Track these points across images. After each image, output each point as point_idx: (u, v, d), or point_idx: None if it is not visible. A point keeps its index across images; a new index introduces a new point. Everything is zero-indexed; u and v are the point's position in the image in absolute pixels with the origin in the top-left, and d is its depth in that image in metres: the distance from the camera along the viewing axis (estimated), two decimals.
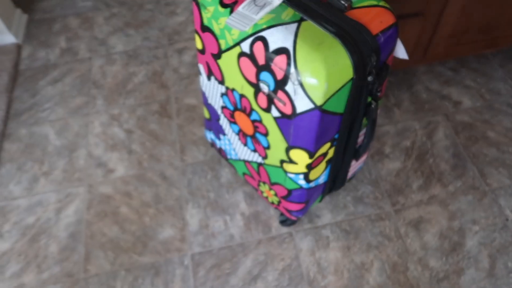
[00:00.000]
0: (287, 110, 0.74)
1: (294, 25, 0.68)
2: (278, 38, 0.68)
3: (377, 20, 0.70)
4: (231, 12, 0.72)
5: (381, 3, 0.72)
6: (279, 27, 0.68)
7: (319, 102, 0.69)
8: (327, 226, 1.13)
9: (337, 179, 0.96)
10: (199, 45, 0.85)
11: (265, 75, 0.73)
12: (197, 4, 0.77)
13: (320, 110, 0.70)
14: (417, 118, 1.32)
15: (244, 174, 1.10)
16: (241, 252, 1.10)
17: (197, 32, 0.83)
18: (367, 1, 0.72)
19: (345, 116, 0.74)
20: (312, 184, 0.91)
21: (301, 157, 0.83)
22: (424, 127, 1.30)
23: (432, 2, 1.14)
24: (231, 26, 0.69)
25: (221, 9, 0.73)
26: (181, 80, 1.46)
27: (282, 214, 1.11)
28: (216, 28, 0.76)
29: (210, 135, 1.13)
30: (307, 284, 1.05)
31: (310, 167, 0.85)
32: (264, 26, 0.69)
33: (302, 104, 0.70)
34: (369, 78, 0.70)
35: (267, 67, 0.71)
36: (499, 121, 1.30)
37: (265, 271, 1.07)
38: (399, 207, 1.16)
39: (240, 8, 0.70)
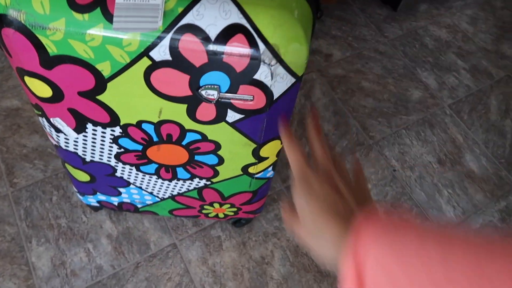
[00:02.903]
0: (257, 105, 0.52)
1: None
2: (213, 16, 0.44)
3: None
4: (104, 13, 0.44)
5: None
6: (203, 1, 0.44)
7: (301, 71, 0.50)
8: (215, 224, 0.95)
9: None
10: (42, 92, 0.54)
11: (210, 77, 0.48)
12: (22, 31, 0.45)
13: (301, 80, 0.51)
14: None
15: (171, 211, 0.85)
16: (115, 285, 0.86)
17: (33, 76, 0.51)
18: None
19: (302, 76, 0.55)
20: None
21: (273, 148, 0.64)
22: (301, 88, 1.18)
23: None
24: (127, 31, 0.43)
25: (80, 17, 0.44)
26: None
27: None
28: (83, 51, 0.47)
29: (94, 199, 0.82)
30: None
31: (279, 152, 0.66)
32: (180, 10, 0.44)
33: (282, 85, 0.50)
34: (318, 15, 0.51)
35: (213, 65, 0.47)
36: (370, 68, 1.24)
37: None
38: (290, 182, 1.03)
39: (120, 0, 0.42)
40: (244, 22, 0.45)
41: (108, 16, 0.45)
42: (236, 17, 0.45)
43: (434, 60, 1.29)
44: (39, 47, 0.47)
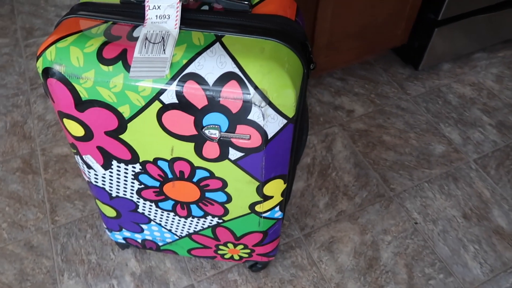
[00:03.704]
0: (254, 143, 0.60)
1: (218, 46, 0.55)
2: (211, 66, 0.54)
3: (284, 7, 0.61)
4: (125, 66, 0.55)
5: None
6: (204, 55, 0.54)
7: (291, 113, 0.57)
8: (233, 268, 0.98)
9: (290, 191, 0.83)
10: (76, 132, 0.65)
11: (211, 118, 0.57)
12: (62, 80, 0.57)
13: (293, 121, 0.58)
14: (314, 133, 1.26)
15: (189, 251, 0.91)
16: None
17: (70, 117, 0.62)
18: None
19: (298, 117, 0.61)
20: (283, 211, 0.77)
21: (277, 187, 0.69)
22: (322, 141, 1.24)
23: (303, 10, 1.09)
24: (141, 78, 0.53)
25: (106, 68, 0.55)
26: (48, 128, 1.25)
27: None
28: (108, 96, 0.58)
29: (121, 235, 0.91)
30: None
31: (284, 192, 0.72)
32: (185, 61, 0.54)
33: (274, 125, 0.57)
34: (311, 66, 0.60)
35: (213, 107, 0.56)
36: (392, 123, 1.28)
37: None
38: (309, 230, 1.05)
39: (137, 54, 0.54)
40: (236, 70, 0.54)
41: (127, 67, 0.55)
42: (230, 67, 0.54)
43: (458, 116, 1.30)
44: (74, 93, 0.58)
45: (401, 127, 1.27)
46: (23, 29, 1.57)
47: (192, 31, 0.57)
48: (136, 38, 0.56)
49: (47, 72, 0.58)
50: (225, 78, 0.54)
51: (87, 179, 0.76)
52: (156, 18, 0.57)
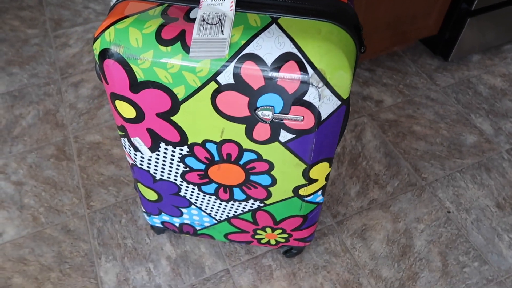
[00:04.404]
0: (307, 125, 0.60)
1: (275, 27, 0.55)
2: (270, 47, 0.54)
3: None
4: (183, 46, 0.56)
5: None
6: (262, 36, 0.55)
7: (346, 94, 0.57)
8: (267, 254, 0.99)
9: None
10: (128, 113, 0.66)
11: (266, 99, 0.58)
12: (120, 61, 0.58)
13: (346, 103, 0.59)
14: None
15: (226, 235, 0.92)
16: None
17: (122, 99, 0.63)
18: None
19: (348, 100, 0.62)
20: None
21: (323, 170, 0.70)
22: (352, 130, 1.24)
23: None
24: (201, 58, 0.54)
25: (164, 49, 0.56)
26: (79, 116, 1.27)
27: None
28: (164, 77, 0.59)
29: (159, 219, 0.92)
30: None
31: (328, 176, 0.73)
32: (243, 42, 0.55)
33: (329, 107, 0.58)
34: (362, 49, 0.60)
35: (269, 87, 0.56)
36: (421, 114, 1.28)
37: None
38: (341, 218, 1.06)
39: (196, 35, 0.55)
40: (295, 51, 0.54)
41: (186, 48, 0.56)
42: (289, 47, 0.54)
43: (489, 107, 1.29)
44: (131, 73, 0.59)
45: (431, 117, 1.27)
46: (52, 20, 1.59)
47: (248, 13, 0.58)
48: (193, 20, 0.57)
49: (105, 53, 0.59)
50: (283, 59, 0.54)
51: (131, 162, 0.77)
52: (212, 0, 0.58)
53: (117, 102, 0.65)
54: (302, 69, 0.54)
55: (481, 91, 1.34)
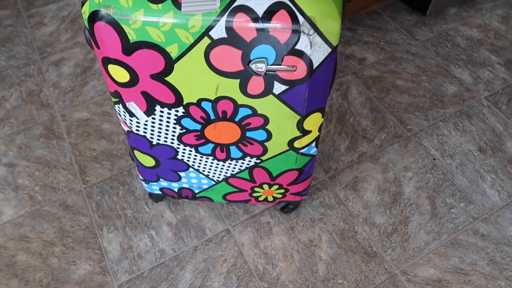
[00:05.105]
0: (299, 74, 0.62)
1: None
2: None
3: None
4: (174, 3, 0.56)
5: None
6: None
7: (336, 41, 0.59)
8: (265, 212, 1.03)
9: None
10: (121, 77, 0.66)
11: (258, 51, 0.59)
12: (111, 22, 0.58)
13: (335, 50, 0.60)
14: None
15: (225, 196, 0.94)
16: (177, 266, 0.95)
17: (115, 62, 0.63)
18: None
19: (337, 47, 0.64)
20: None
21: (316, 121, 0.73)
22: (338, 89, 1.26)
23: None
24: (194, 12, 0.54)
25: (155, 7, 0.56)
26: (64, 95, 1.25)
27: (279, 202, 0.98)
28: (156, 36, 0.58)
29: (157, 186, 0.93)
30: (258, 279, 0.93)
31: (321, 127, 0.75)
32: None
33: (320, 54, 0.60)
34: None
35: (261, 38, 0.57)
36: (403, 68, 1.31)
37: (208, 279, 0.93)
38: (333, 172, 1.09)
39: None
40: (285, 0, 0.55)
41: (177, 5, 0.57)
42: None
43: (467, 57, 1.33)
44: (123, 35, 0.60)
45: (412, 71, 1.30)
46: (23, 0, 1.54)
47: None
48: None
49: (94, 16, 0.59)
50: (274, 8, 0.55)
51: (127, 128, 0.78)
52: None
53: (110, 67, 0.65)
54: (293, 17, 0.56)
55: (459, 43, 1.37)
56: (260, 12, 0.56)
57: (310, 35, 0.57)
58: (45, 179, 1.08)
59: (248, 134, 0.75)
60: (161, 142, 0.79)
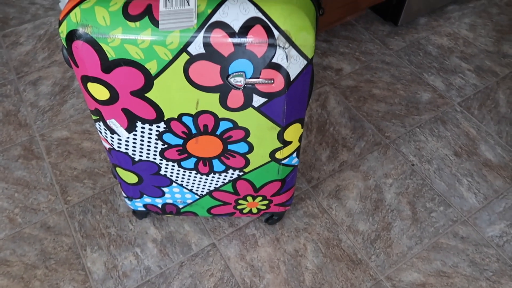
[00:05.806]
0: (277, 87, 0.63)
1: None
2: (236, 13, 0.57)
3: None
4: (151, 20, 0.57)
5: None
6: (227, 3, 0.57)
7: (311, 54, 0.61)
8: (250, 224, 1.03)
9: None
10: (101, 95, 0.66)
11: (237, 65, 0.60)
12: (89, 41, 0.58)
13: (311, 62, 0.62)
14: None
15: (209, 210, 0.94)
16: (163, 283, 0.94)
17: (95, 81, 0.63)
18: None
19: (312, 59, 0.66)
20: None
21: (296, 132, 0.74)
22: (316, 100, 1.29)
23: None
24: (170, 30, 0.55)
25: (133, 25, 0.57)
26: (43, 114, 1.24)
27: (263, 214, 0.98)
28: (135, 53, 0.59)
29: (141, 202, 0.92)
30: None
31: (301, 138, 0.77)
32: (210, 11, 0.57)
33: (296, 67, 0.61)
34: (321, 12, 0.64)
35: (239, 53, 0.58)
36: (379, 77, 1.35)
37: None
38: (315, 182, 1.11)
39: (162, 8, 0.55)
40: (260, 15, 0.57)
41: (155, 22, 0.58)
42: (254, 12, 0.57)
43: (439, 65, 1.38)
44: (101, 53, 0.60)
45: (388, 80, 1.34)
46: None
47: None
48: None
49: (72, 35, 0.59)
50: (250, 23, 0.57)
51: (108, 146, 0.78)
52: None
53: (90, 85, 0.66)
54: (268, 32, 0.57)
55: (431, 51, 1.42)
56: (236, 27, 0.57)
57: (285, 49, 0.59)
58: (25, 201, 1.06)
59: (230, 147, 0.76)
60: (144, 158, 0.79)
